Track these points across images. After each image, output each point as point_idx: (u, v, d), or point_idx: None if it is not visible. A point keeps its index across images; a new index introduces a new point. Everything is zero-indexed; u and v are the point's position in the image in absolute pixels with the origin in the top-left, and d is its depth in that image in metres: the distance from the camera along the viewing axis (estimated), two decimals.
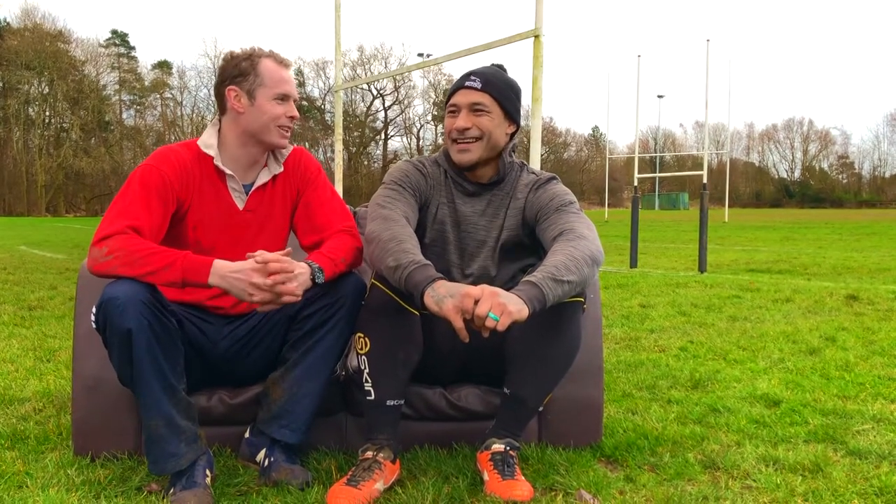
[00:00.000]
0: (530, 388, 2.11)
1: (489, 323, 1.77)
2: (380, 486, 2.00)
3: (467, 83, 2.22)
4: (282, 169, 2.27)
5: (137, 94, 60.49)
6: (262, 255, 1.97)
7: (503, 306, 1.78)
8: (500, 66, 2.30)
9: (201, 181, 2.17)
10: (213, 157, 2.18)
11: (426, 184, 2.29)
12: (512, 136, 2.29)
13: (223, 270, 1.94)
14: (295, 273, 1.98)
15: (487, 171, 2.29)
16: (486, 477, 2.05)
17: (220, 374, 2.28)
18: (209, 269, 1.94)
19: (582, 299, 2.09)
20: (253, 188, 2.24)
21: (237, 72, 2.16)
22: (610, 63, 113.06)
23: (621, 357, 3.91)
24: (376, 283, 2.09)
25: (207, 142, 2.20)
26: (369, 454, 2.06)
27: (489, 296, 1.80)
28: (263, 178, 2.25)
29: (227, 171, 2.19)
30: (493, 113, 2.21)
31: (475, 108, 2.21)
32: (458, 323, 1.81)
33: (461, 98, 2.22)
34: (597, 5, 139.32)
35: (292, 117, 2.21)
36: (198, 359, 2.20)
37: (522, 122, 2.35)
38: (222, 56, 2.23)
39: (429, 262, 1.96)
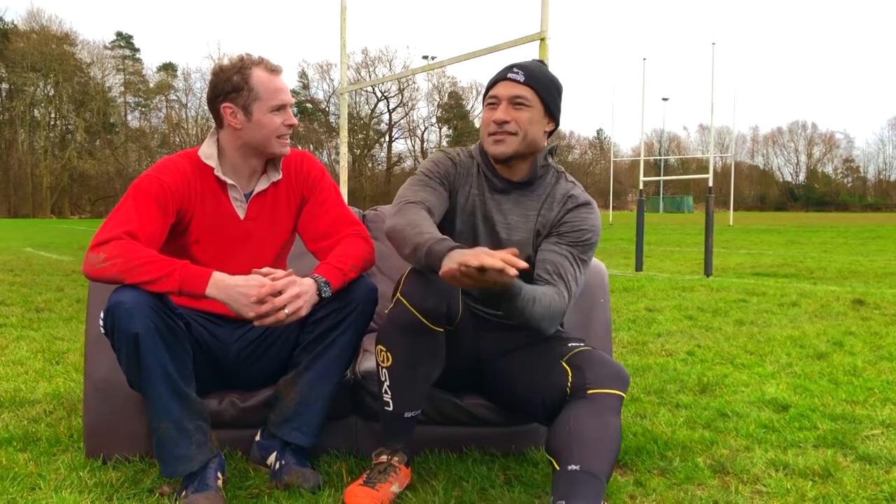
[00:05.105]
0: (597, 457, 1.79)
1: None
2: (395, 488, 2.01)
3: (510, 75, 2.12)
4: (280, 175, 2.24)
5: (142, 97, 60.63)
6: (268, 271, 1.97)
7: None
8: (541, 61, 2.21)
9: (203, 191, 2.16)
10: (213, 168, 2.16)
11: (455, 171, 2.20)
12: (550, 133, 2.19)
13: (223, 283, 1.92)
14: (299, 293, 1.96)
15: (521, 168, 2.18)
16: None
17: (232, 378, 2.28)
18: (207, 280, 1.92)
19: (623, 393, 1.92)
20: (252, 196, 2.22)
21: (230, 87, 2.11)
22: (615, 66, 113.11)
23: (628, 361, 3.91)
24: (402, 299, 1.99)
25: (207, 152, 2.17)
26: (384, 458, 2.06)
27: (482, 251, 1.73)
28: (262, 185, 2.23)
29: (229, 181, 2.18)
30: (533, 108, 2.10)
31: (516, 102, 2.09)
32: (477, 262, 1.69)
33: (502, 90, 2.12)
34: (602, 9, 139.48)
35: (291, 125, 2.18)
36: (209, 362, 2.20)
37: None
38: (211, 69, 2.19)
39: (446, 236, 1.88)
